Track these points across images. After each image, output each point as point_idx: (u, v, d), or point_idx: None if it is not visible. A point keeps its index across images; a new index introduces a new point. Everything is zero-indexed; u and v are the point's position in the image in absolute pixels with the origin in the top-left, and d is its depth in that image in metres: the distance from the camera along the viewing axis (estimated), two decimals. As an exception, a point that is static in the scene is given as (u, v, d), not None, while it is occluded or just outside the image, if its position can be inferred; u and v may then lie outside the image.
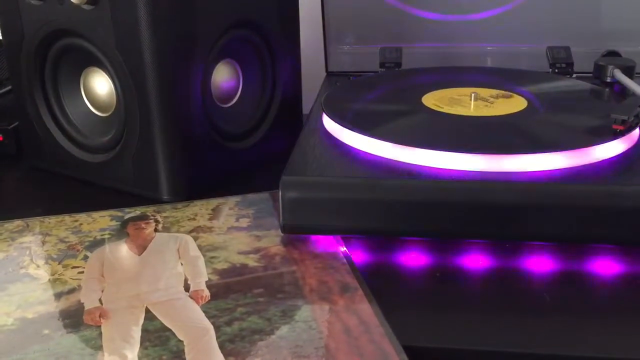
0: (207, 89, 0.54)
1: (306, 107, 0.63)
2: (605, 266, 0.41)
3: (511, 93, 0.53)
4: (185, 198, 0.51)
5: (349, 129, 0.47)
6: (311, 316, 0.35)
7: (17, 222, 0.48)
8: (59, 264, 0.42)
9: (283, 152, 0.47)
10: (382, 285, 0.39)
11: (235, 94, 0.58)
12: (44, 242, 0.45)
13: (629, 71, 0.55)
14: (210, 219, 0.47)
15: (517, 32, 0.66)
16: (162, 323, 0.35)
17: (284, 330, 0.34)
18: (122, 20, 0.48)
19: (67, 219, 0.48)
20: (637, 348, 0.34)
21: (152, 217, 0.47)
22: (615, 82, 0.55)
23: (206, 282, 0.39)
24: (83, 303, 0.37)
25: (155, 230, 0.45)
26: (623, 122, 0.44)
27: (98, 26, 0.49)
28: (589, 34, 0.64)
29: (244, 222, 0.46)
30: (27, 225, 0.47)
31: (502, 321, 0.36)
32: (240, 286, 0.38)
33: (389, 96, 0.56)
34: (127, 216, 0.48)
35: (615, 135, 0.44)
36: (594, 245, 0.42)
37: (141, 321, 0.35)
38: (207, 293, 0.38)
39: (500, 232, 0.41)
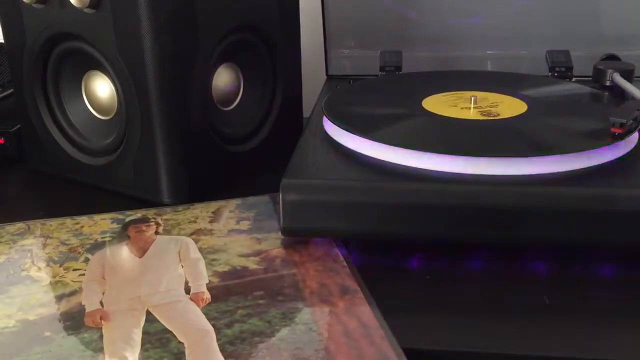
0: (208, 92, 0.54)
1: (307, 110, 0.63)
2: (604, 269, 0.41)
3: (511, 97, 0.54)
4: (186, 201, 0.51)
5: (349, 132, 0.47)
6: (311, 318, 0.36)
7: (19, 225, 0.48)
8: (60, 266, 0.42)
9: (283, 155, 0.48)
10: (382, 287, 0.39)
11: (236, 97, 0.59)
12: (45, 245, 0.45)
13: (628, 75, 0.55)
14: (210, 222, 0.47)
15: (517, 36, 0.66)
16: (162, 325, 0.35)
17: (284, 332, 0.34)
18: (123, 24, 0.48)
19: (68, 221, 0.48)
20: (636, 350, 0.34)
21: (152, 220, 0.47)
22: (615, 86, 0.55)
23: (207, 284, 0.39)
24: (84, 305, 0.37)
25: (156, 232, 0.45)
26: (622, 125, 0.44)
27: (100, 30, 0.49)
28: (588, 38, 0.64)
29: (245, 225, 0.46)
30: (29, 228, 0.47)
31: (501, 323, 0.36)
32: (240, 288, 0.39)
33: (389, 100, 0.56)
34: (128, 219, 0.48)
35: (614, 138, 0.44)
36: (593, 248, 0.42)
37: (142, 323, 0.36)
38: (207, 295, 0.38)
39: (501, 235, 0.41)
